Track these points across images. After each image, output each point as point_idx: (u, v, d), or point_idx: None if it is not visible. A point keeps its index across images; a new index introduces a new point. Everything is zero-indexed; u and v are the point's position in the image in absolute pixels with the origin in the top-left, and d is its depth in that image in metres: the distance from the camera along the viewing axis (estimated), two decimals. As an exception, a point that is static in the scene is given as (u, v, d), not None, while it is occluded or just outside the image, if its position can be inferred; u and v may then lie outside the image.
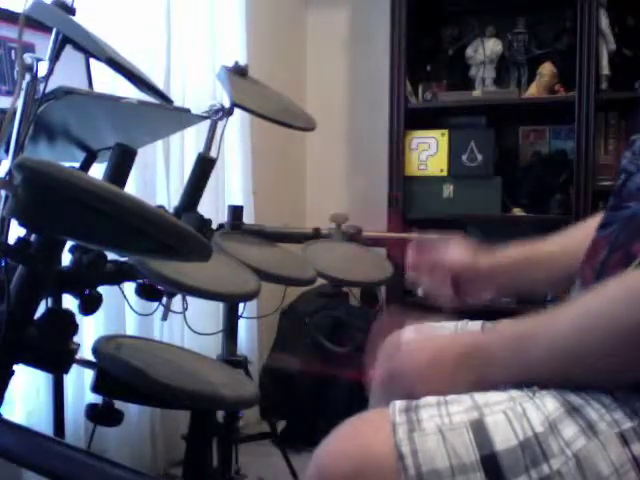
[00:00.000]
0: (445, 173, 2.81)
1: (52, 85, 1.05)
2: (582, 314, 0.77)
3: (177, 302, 1.58)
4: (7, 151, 1.01)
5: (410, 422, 0.76)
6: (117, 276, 1.30)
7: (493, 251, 1.14)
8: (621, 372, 0.75)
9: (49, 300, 1.25)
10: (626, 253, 0.85)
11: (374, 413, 0.82)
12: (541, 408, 0.75)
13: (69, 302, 1.23)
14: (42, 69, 1.02)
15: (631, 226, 0.86)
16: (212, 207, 2.25)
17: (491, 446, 0.72)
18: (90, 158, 1.33)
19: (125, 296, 1.48)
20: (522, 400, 0.77)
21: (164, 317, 1.64)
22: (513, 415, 0.75)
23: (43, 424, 1.72)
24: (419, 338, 0.99)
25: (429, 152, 2.83)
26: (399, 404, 0.79)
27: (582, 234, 1.06)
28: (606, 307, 0.75)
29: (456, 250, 1.14)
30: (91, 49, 1.08)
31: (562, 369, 0.77)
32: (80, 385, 1.86)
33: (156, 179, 2.18)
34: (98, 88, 1.63)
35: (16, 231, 0.96)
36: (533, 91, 2.77)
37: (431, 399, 0.80)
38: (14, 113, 1.01)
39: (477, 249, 1.14)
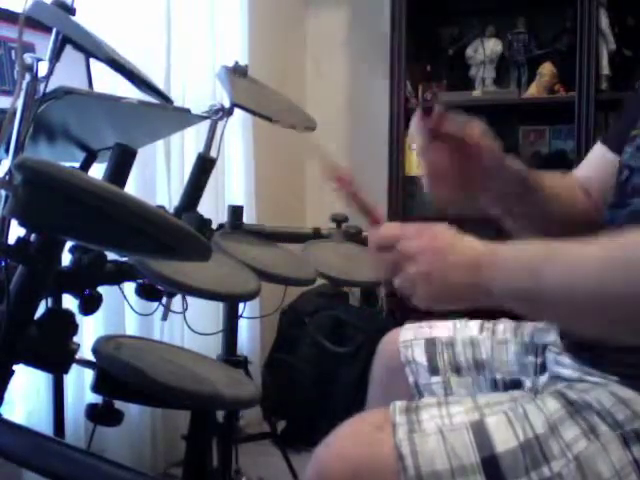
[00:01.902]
0: (445, 173, 2.80)
1: (52, 85, 1.05)
2: (613, 256, 0.67)
3: (177, 302, 1.58)
4: (7, 151, 1.01)
5: (410, 423, 0.76)
6: (117, 276, 1.30)
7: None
8: (629, 330, 0.67)
9: (49, 300, 1.25)
10: None
11: (374, 413, 0.82)
12: (542, 409, 0.75)
13: (69, 302, 1.23)
14: (42, 69, 1.02)
15: (633, 223, 0.86)
16: (212, 207, 2.24)
17: (491, 448, 0.72)
18: (90, 158, 1.33)
19: (125, 296, 1.47)
20: (523, 401, 0.77)
21: (164, 317, 1.64)
22: (514, 416, 0.75)
23: (43, 424, 1.71)
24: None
25: (429, 152, 2.82)
26: (399, 404, 0.79)
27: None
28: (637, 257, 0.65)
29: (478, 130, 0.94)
30: (91, 49, 1.08)
31: (570, 302, 0.69)
32: (80, 385, 1.86)
33: (156, 179, 2.18)
34: (98, 88, 1.63)
35: (16, 231, 0.96)
36: (533, 91, 2.77)
37: (432, 399, 0.80)
38: (14, 113, 1.01)
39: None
